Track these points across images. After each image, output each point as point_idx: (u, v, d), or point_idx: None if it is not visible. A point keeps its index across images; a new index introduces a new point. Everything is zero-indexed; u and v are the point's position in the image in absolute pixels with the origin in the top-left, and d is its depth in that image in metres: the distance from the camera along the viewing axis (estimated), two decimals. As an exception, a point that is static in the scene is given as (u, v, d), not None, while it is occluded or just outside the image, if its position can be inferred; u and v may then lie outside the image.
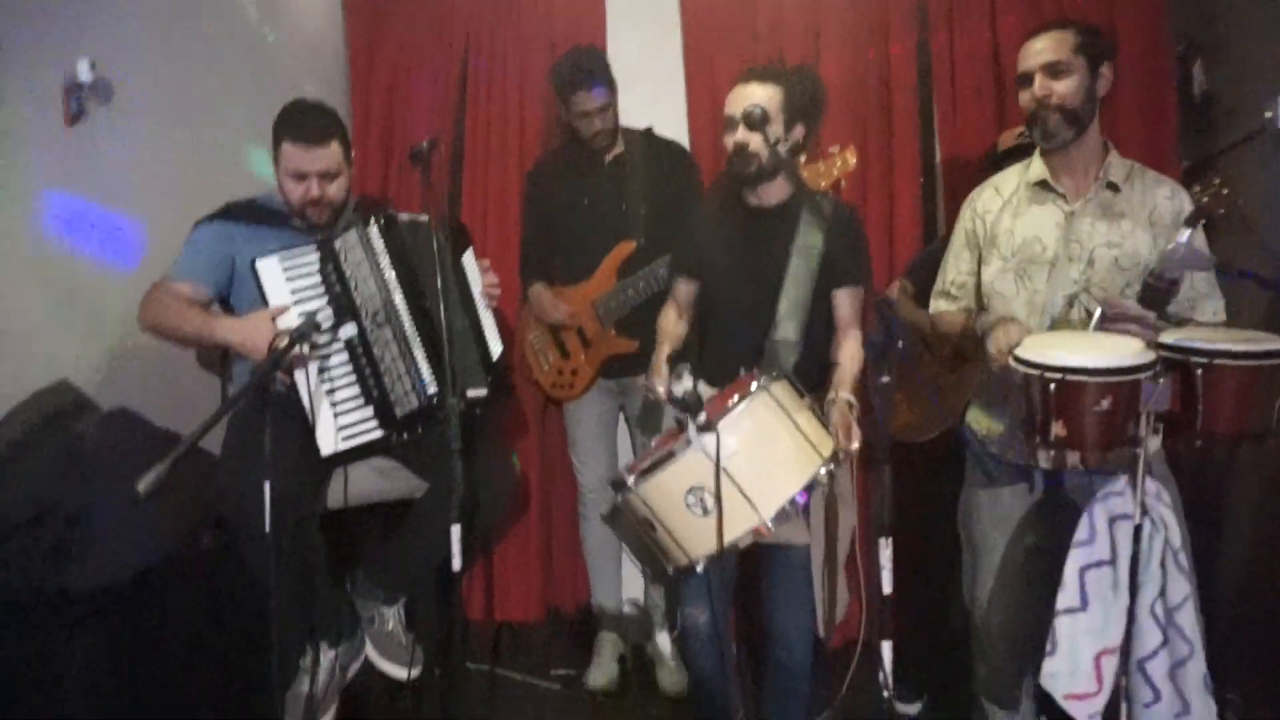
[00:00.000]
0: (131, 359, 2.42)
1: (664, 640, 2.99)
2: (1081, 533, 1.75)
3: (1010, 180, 2.12)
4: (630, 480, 1.87)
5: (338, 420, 2.23)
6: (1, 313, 2.14)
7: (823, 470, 1.86)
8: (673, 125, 3.09)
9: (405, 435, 2.30)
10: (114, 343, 2.39)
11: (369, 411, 2.27)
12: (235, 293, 2.35)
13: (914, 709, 2.80)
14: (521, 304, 3.00)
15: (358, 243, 2.25)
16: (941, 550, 2.36)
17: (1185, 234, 1.63)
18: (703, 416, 1.79)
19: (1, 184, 2.16)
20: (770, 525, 1.81)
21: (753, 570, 2.28)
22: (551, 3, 3.16)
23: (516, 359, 3.00)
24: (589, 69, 2.70)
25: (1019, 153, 2.55)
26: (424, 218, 2.35)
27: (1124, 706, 1.74)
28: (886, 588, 1.71)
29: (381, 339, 2.26)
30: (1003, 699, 2.14)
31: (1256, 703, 2.31)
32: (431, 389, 2.25)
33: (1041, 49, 1.95)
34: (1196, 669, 1.67)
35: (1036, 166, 2.04)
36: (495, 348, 2.42)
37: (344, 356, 2.26)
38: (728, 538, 1.82)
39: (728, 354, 2.24)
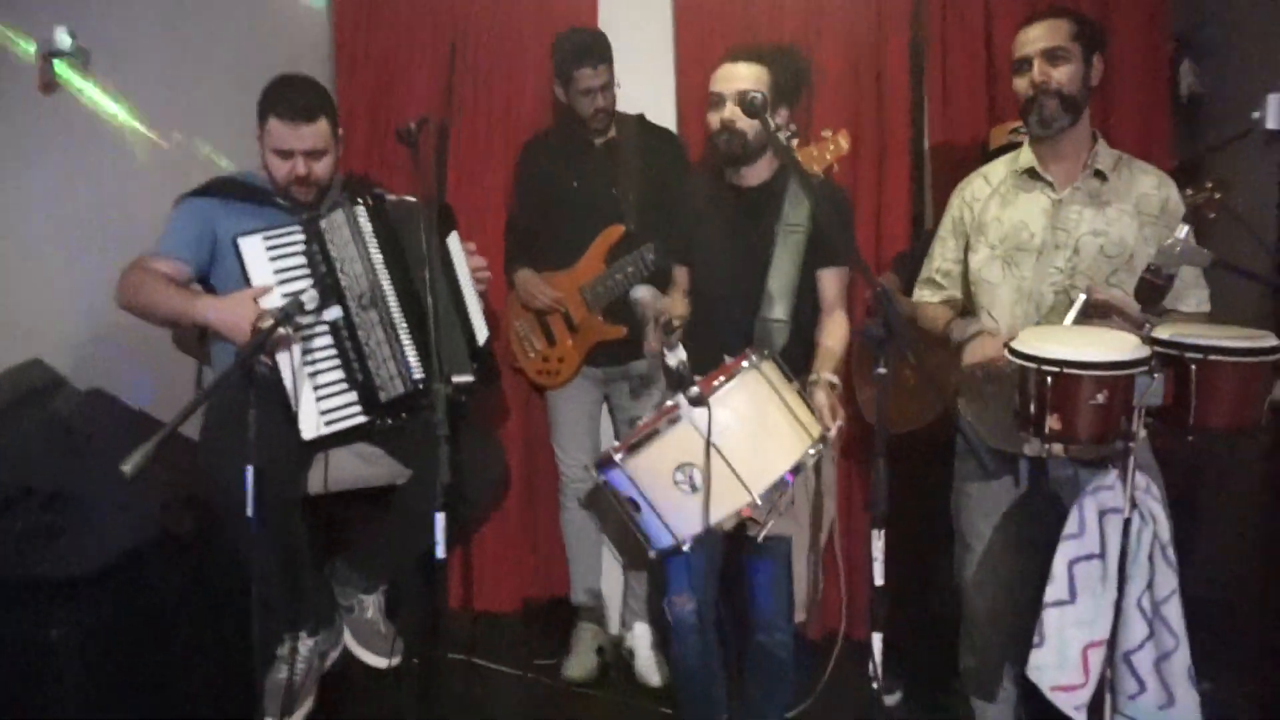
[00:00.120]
0: (106, 338, 2.36)
1: (643, 631, 2.97)
2: (1071, 526, 1.76)
3: (999, 169, 2.13)
4: (618, 456, 1.84)
5: (320, 404, 2.18)
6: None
7: (810, 452, 1.85)
8: (663, 113, 3.05)
9: (390, 421, 2.26)
10: (88, 321, 2.33)
11: (353, 396, 2.22)
12: (216, 272, 2.28)
13: (893, 699, 2.81)
14: (508, 290, 2.96)
15: (344, 223, 2.20)
16: (920, 542, 2.37)
17: (1184, 230, 1.64)
18: (694, 389, 1.77)
19: (-27, 154, 2.10)
20: (760, 502, 1.79)
21: (732, 559, 2.27)
22: (543, -15, 3.12)
23: (501, 345, 2.96)
24: (594, 45, 2.67)
25: (1009, 150, 2.57)
26: (412, 199, 2.31)
27: (1108, 698, 1.75)
28: (879, 579, 1.71)
29: (367, 322, 2.21)
30: (988, 689, 2.15)
31: (1227, 691, 2.34)
32: (418, 374, 2.21)
33: (1040, 35, 1.96)
34: (1181, 661, 1.69)
35: (1025, 155, 2.06)
36: (481, 333, 2.38)
37: (328, 339, 2.20)
38: (716, 516, 1.80)
39: (714, 337, 2.22)
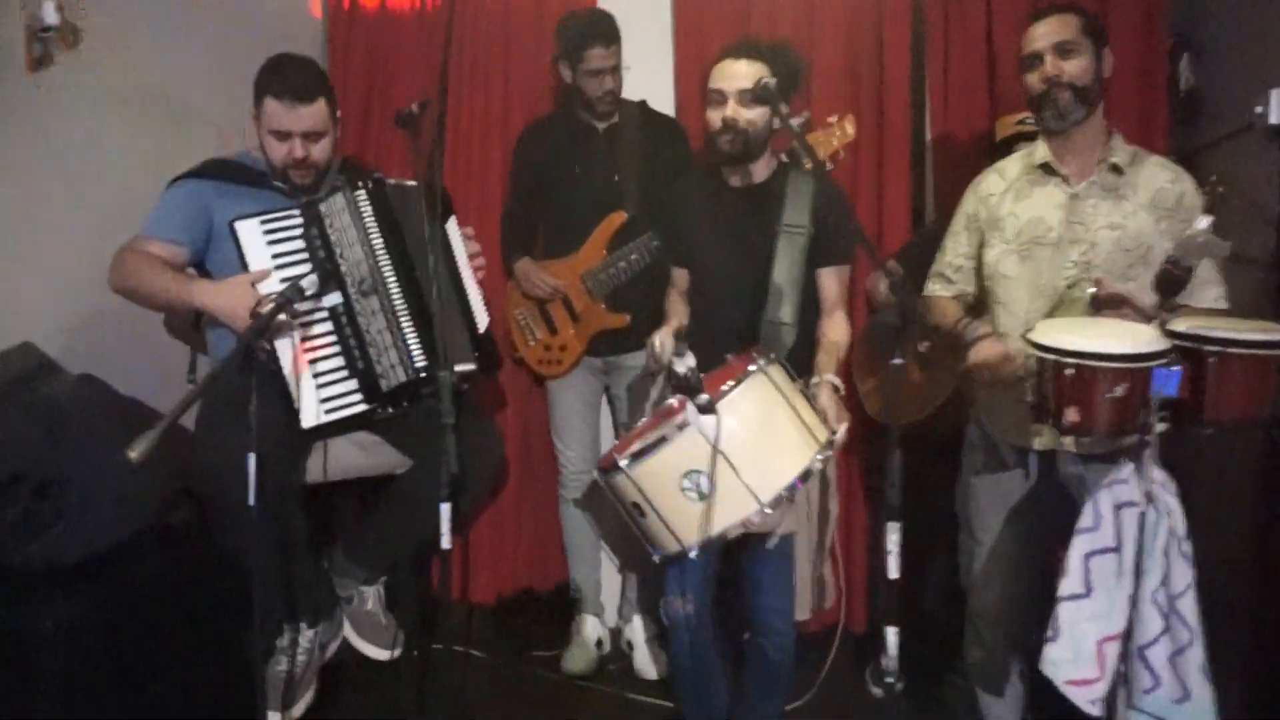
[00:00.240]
0: (96, 322, 2.29)
1: (641, 624, 2.95)
2: (1086, 519, 1.74)
3: (1014, 165, 2.13)
4: (623, 462, 1.81)
5: (320, 392, 2.14)
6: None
7: (819, 458, 1.83)
8: (660, 104, 3.01)
9: (390, 410, 2.22)
10: (78, 304, 2.26)
11: (353, 384, 2.17)
12: (211, 256, 2.23)
13: (891, 693, 2.80)
14: (506, 278, 2.92)
15: (344, 207, 2.15)
16: (917, 536, 2.36)
17: (1205, 221, 1.63)
18: (704, 397, 1.75)
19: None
20: (768, 511, 1.77)
21: (732, 558, 2.25)
22: (540, -31, 3.07)
23: (501, 334, 2.92)
24: (605, 25, 2.64)
25: (1018, 140, 2.56)
26: (411, 183, 2.26)
27: (1121, 692, 1.74)
28: (893, 573, 1.69)
29: (367, 309, 2.17)
30: (996, 683, 2.15)
31: (1223, 691, 2.36)
32: (420, 362, 2.16)
33: (1049, 30, 1.96)
34: (1196, 656, 1.68)
35: (1040, 150, 2.05)
36: (482, 320, 2.34)
37: (327, 326, 2.16)
38: (723, 525, 1.78)
39: (714, 338, 2.20)
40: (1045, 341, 1.68)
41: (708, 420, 1.74)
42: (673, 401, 1.83)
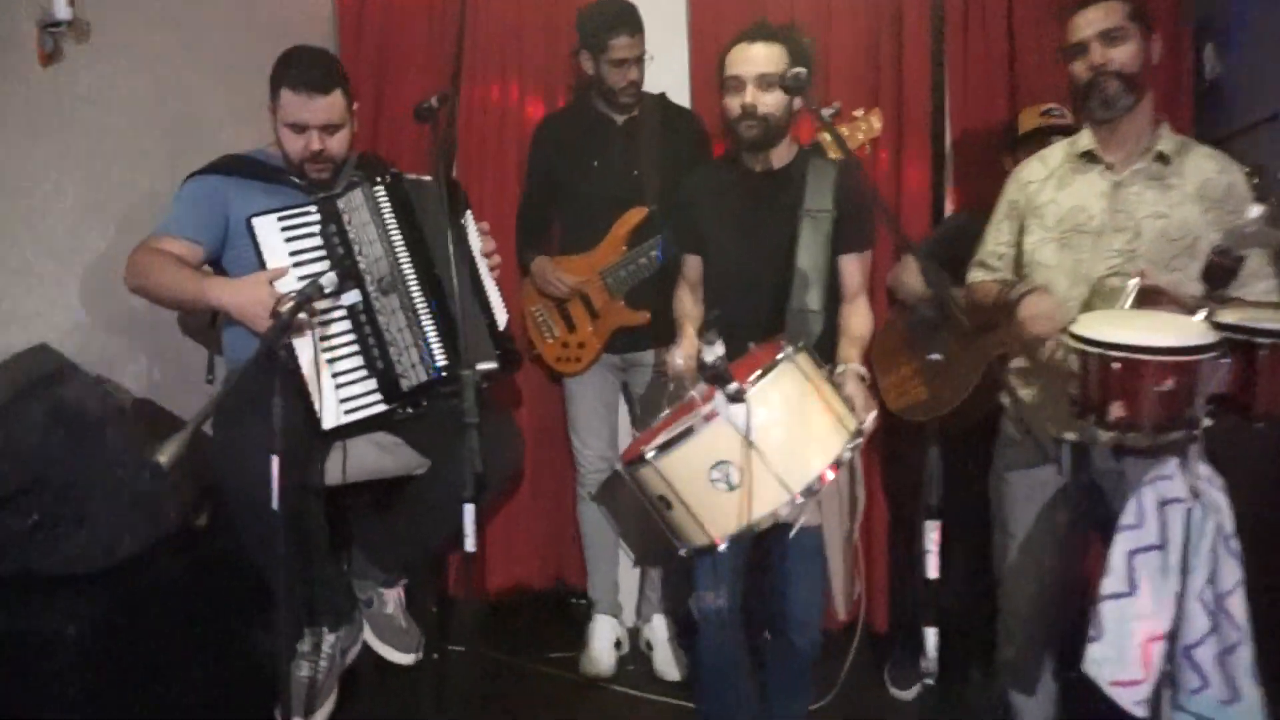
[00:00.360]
0: (110, 323, 2.25)
1: (661, 623, 2.91)
2: (1129, 516, 1.71)
3: (1056, 153, 2.09)
4: (650, 454, 1.77)
5: (339, 392, 2.09)
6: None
7: (849, 447, 1.79)
8: (675, 95, 2.97)
9: (410, 410, 2.18)
10: (92, 305, 2.22)
11: (372, 384, 2.13)
12: (227, 254, 2.19)
13: (910, 694, 2.77)
14: (521, 273, 2.87)
15: (363, 203, 2.11)
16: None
17: (1257, 210, 1.59)
18: (733, 385, 1.70)
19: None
20: (800, 501, 1.74)
21: (760, 553, 2.21)
22: (552, -40, 3.02)
23: (517, 331, 2.88)
24: (630, 14, 2.59)
25: (1041, 134, 2.51)
26: (428, 178, 2.22)
27: (1166, 693, 1.70)
28: (932, 572, 1.65)
29: (387, 307, 2.12)
30: (1028, 682, 2.11)
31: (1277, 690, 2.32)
32: (440, 361, 2.12)
33: (1096, 17, 1.91)
34: (1245, 656, 1.64)
35: (1084, 138, 2.02)
36: (501, 317, 2.30)
37: (346, 324, 2.12)
38: (754, 516, 1.74)
39: (735, 327, 2.16)
40: (1090, 335, 1.64)
41: (737, 409, 1.69)
42: (694, 394, 1.80)
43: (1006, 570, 2.12)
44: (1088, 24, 1.92)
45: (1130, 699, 1.68)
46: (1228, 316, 1.65)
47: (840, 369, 2.02)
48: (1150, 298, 1.82)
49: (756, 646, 2.28)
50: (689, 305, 2.31)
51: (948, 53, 2.93)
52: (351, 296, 2.10)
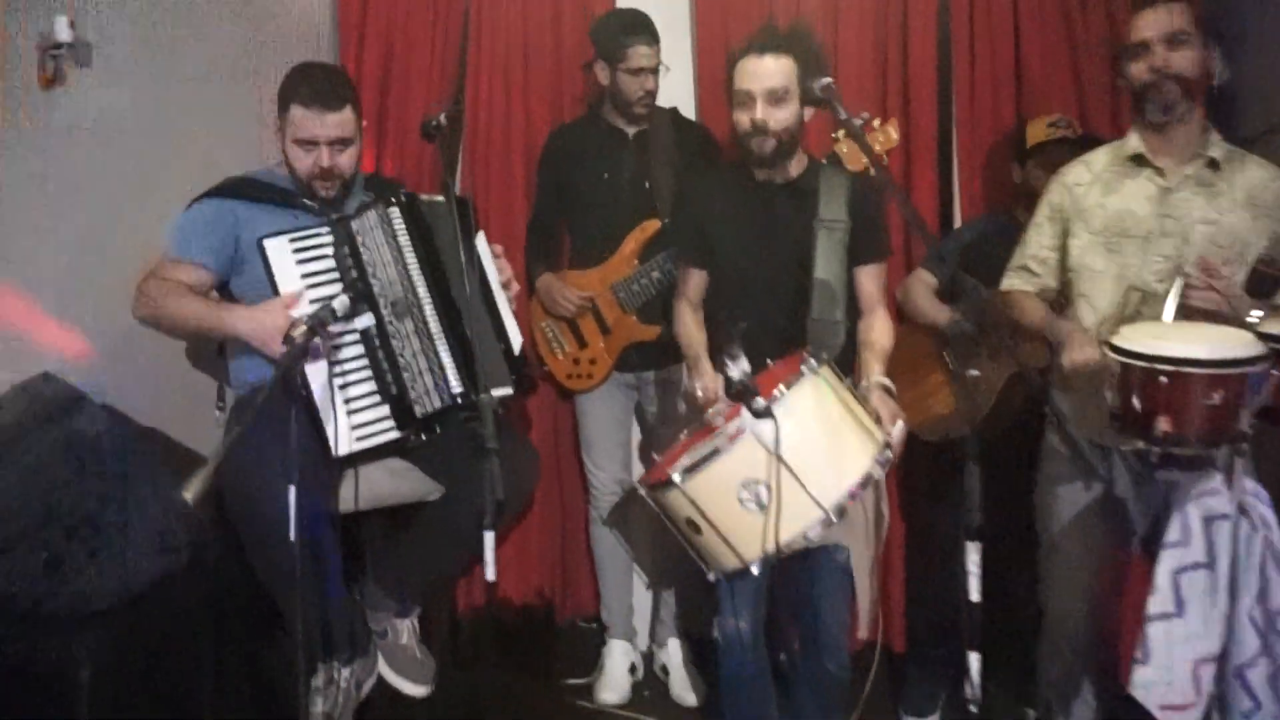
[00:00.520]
0: (115, 352, 2.19)
1: (676, 647, 2.85)
2: (1173, 534, 1.67)
3: (1101, 156, 2.06)
4: (676, 476, 1.72)
5: (351, 419, 2.04)
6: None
7: (879, 460, 1.75)
8: (680, 103, 2.93)
9: (424, 436, 2.12)
10: (96, 333, 2.16)
11: (385, 410, 2.07)
12: (236, 279, 2.13)
13: (931, 720, 2.71)
14: (529, 292, 2.82)
15: (377, 224, 2.05)
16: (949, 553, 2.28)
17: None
18: (760, 401, 1.65)
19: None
20: (834, 519, 1.69)
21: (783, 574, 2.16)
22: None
23: (526, 345, 2.82)
24: (647, 23, 2.55)
25: (1049, 146, 2.48)
26: (440, 199, 2.17)
27: (1215, 717, 1.66)
28: (974, 594, 1.60)
29: (401, 331, 2.07)
30: (1071, 701, 2.06)
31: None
32: (456, 388, 2.06)
33: (1160, 19, 1.89)
34: (1298, 676, 1.60)
35: (1133, 141, 1.99)
36: (516, 340, 2.25)
37: (358, 349, 2.06)
38: (786, 536, 1.69)
39: (751, 341, 2.11)
40: (1135, 348, 1.61)
41: (765, 426, 1.65)
42: (713, 411, 1.75)
43: (1054, 588, 2.07)
44: (1150, 24, 1.89)
45: (1181, 723, 1.64)
46: (1273, 327, 1.61)
47: (864, 383, 1.98)
48: (1190, 312, 1.79)
49: (777, 668, 2.23)
50: (695, 331, 2.24)
51: (954, 62, 2.91)
52: (365, 320, 2.05)
